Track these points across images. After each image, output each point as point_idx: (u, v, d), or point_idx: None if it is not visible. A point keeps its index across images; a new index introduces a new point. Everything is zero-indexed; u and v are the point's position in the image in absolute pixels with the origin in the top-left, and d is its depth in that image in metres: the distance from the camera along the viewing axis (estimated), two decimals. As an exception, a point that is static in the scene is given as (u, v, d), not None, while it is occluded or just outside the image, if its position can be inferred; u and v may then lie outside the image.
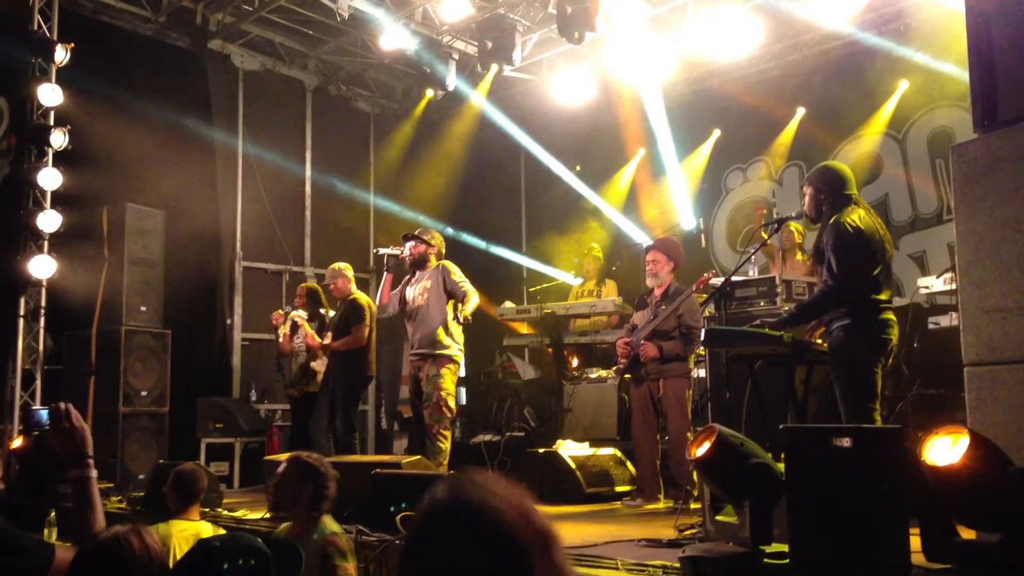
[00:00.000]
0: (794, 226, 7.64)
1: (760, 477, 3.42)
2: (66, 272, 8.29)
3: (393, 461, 5.80)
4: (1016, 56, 3.19)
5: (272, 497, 4.24)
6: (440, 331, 6.65)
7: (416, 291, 6.81)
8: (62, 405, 2.49)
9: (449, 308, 6.70)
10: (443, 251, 7.01)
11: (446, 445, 6.53)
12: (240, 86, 10.37)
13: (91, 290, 8.35)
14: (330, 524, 4.03)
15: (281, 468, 4.15)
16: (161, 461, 7.45)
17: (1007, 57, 3.28)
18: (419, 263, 6.89)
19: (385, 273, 6.98)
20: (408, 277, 6.98)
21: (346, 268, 7.81)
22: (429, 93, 10.99)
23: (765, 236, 6.43)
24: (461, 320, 6.54)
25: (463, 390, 11.36)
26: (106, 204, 8.51)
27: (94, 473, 2.45)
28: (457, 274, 6.76)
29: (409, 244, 6.93)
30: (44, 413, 6.81)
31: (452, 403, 6.62)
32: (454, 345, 6.68)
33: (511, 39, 9.33)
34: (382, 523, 4.77)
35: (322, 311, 7.95)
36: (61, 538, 4.98)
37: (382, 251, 6.98)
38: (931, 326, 6.66)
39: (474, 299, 6.58)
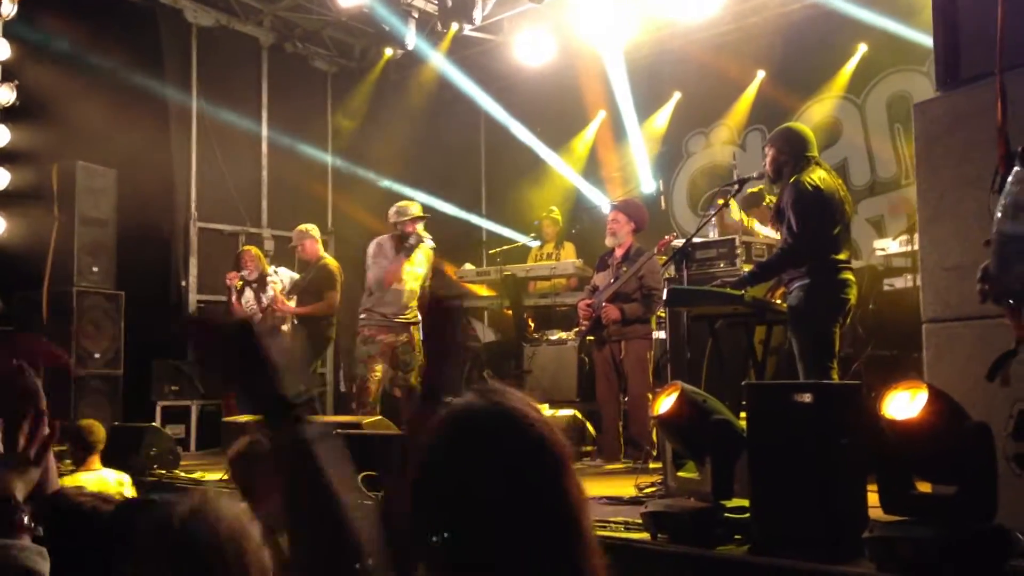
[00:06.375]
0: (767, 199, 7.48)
1: (722, 433, 3.45)
2: (15, 231, 8.08)
3: (353, 422, 5.78)
4: (980, 13, 3.20)
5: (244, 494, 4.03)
6: (415, 302, 7.00)
7: (407, 274, 6.95)
8: (13, 362, 2.41)
9: None
10: None
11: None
12: (193, 42, 10.10)
13: (41, 250, 8.16)
14: None
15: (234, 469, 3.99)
16: (116, 424, 7.36)
17: (970, 14, 3.29)
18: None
19: (399, 256, 6.95)
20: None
21: (312, 229, 7.80)
22: (388, 52, 10.83)
23: (721, 202, 6.39)
24: None
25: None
26: (56, 162, 8.29)
27: (46, 431, 2.38)
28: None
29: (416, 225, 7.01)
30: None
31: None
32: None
33: (472, -3, 9.20)
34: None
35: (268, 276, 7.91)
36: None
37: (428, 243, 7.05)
38: (886, 287, 6.76)
39: None
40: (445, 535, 1.18)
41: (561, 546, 1.20)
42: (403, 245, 6.88)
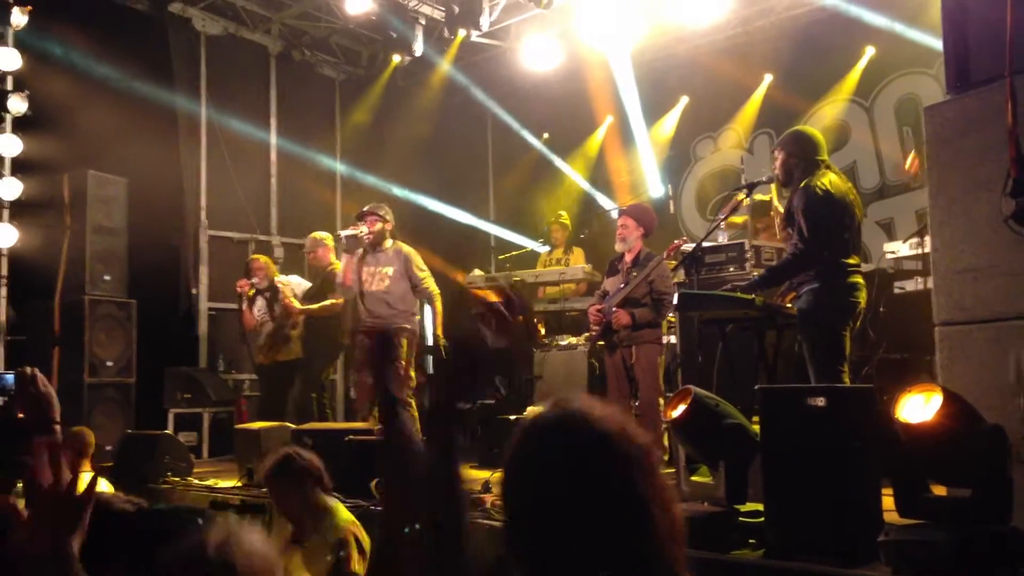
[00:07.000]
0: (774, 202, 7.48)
1: (735, 437, 3.46)
2: (27, 241, 8.14)
3: (366, 428, 5.81)
4: (988, 17, 3.21)
5: (283, 512, 3.97)
6: (400, 307, 6.85)
7: (374, 274, 6.83)
8: (28, 370, 2.42)
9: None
10: (393, 225, 7.02)
11: (413, 411, 6.63)
12: (202, 51, 10.16)
13: (53, 259, 8.21)
14: (342, 512, 3.81)
15: (271, 486, 3.91)
16: (129, 431, 7.40)
17: (980, 18, 3.29)
18: (377, 241, 6.87)
19: (345, 255, 6.90)
20: (363, 255, 6.93)
21: (326, 238, 7.84)
22: (396, 59, 10.86)
23: (742, 198, 6.37)
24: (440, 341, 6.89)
25: (431, 358, 11.37)
26: (67, 171, 8.34)
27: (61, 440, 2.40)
28: (420, 264, 6.93)
29: (368, 221, 6.88)
30: (9, 378, 6.75)
31: (412, 372, 6.85)
32: (409, 316, 6.94)
33: (478, 3, 9.20)
34: (356, 490, 4.77)
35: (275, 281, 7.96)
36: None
37: (344, 233, 6.89)
38: (896, 291, 6.74)
39: (439, 302, 6.95)
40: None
41: (629, 535, 1.26)
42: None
